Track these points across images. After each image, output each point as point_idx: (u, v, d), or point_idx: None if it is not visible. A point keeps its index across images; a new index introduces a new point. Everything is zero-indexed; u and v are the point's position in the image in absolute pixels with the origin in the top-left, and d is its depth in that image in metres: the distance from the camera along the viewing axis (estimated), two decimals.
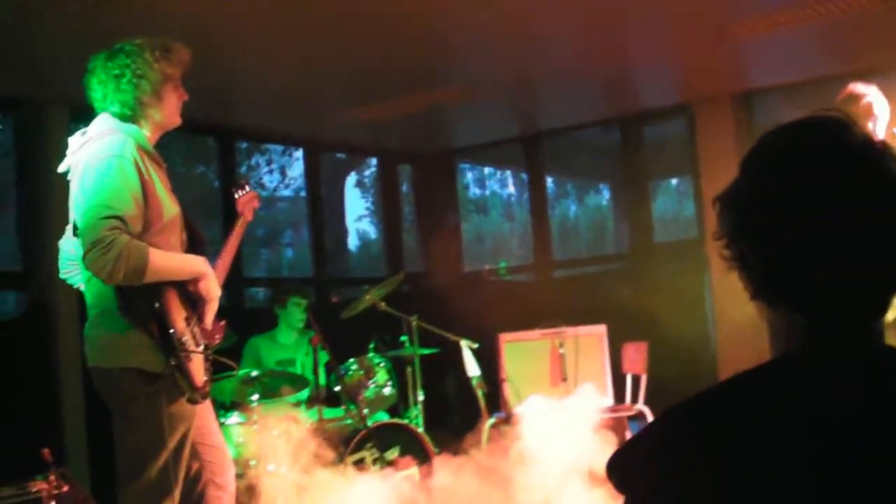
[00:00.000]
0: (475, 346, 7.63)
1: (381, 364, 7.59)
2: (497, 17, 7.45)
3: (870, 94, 6.41)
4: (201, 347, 4.31)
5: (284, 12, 7.02)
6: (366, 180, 20.00)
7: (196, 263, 4.35)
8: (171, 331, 4.11)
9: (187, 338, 4.19)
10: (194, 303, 4.36)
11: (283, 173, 16.89)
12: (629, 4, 7.57)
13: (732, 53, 9.07)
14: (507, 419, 7.56)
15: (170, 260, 4.18)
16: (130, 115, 4.30)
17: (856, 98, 6.35)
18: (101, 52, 4.38)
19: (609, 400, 7.87)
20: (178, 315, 4.19)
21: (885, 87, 6.80)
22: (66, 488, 5.68)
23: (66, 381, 8.08)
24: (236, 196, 5.30)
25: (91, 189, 4.05)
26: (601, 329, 8.05)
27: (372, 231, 20.86)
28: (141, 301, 4.07)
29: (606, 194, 22.20)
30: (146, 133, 4.32)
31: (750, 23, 7.99)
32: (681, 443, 1.67)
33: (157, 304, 4.09)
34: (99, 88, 4.33)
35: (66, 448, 7.85)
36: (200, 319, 4.38)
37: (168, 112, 4.42)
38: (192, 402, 4.21)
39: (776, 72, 9.89)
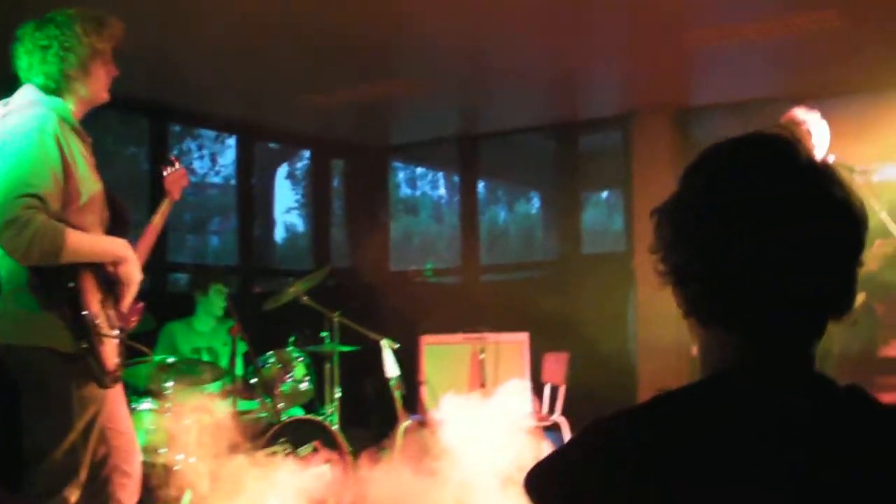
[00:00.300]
0: (396, 346, 7.56)
1: (300, 359, 7.50)
2: (448, 10, 7.40)
3: (809, 120, 6.42)
4: (116, 331, 4.20)
5: None
6: (297, 172, 19.86)
7: (117, 246, 4.23)
8: (85, 312, 4.00)
9: (101, 320, 4.08)
10: (112, 284, 4.24)
11: (213, 160, 16.69)
12: (582, 9, 7.56)
13: (676, 65, 9.10)
14: (423, 422, 7.50)
15: (89, 241, 4.07)
16: (55, 88, 4.17)
17: (795, 124, 6.36)
18: (32, 20, 4.26)
19: (528, 405, 7.84)
20: (93, 297, 4.08)
21: (825, 112, 6.85)
22: None
23: None
24: (164, 174, 5.17)
25: (8, 164, 3.93)
26: (523, 337, 8.04)
27: (300, 224, 20.73)
28: (55, 280, 3.96)
29: (536, 203, 22.28)
30: (71, 107, 4.20)
31: (700, 33, 8.00)
32: (604, 460, 1.62)
33: (70, 284, 3.98)
34: (25, 58, 4.20)
35: None
36: (117, 302, 4.27)
37: (95, 87, 4.29)
38: (103, 385, 4.10)
39: (718, 89, 9.95)
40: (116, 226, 4.38)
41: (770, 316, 1.64)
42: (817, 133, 6.32)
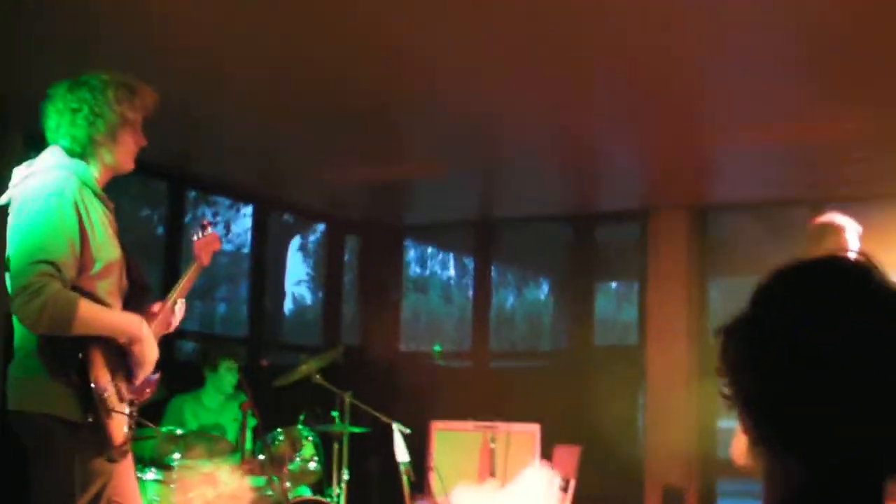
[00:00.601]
0: (407, 431, 7.45)
1: (309, 438, 7.38)
2: (468, 96, 7.42)
3: (847, 226, 6.25)
4: (126, 404, 4.11)
5: (259, 72, 6.95)
6: (310, 245, 19.87)
7: (131, 324, 4.14)
8: (92, 385, 3.91)
9: (109, 393, 3.99)
10: (124, 356, 4.16)
11: (227, 227, 16.69)
12: (603, 107, 7.59)
13: (696, 164, 9.11)
14: None
15: (102, 315, 3.99)
16: (80, 152, 4.12)
17: (835, 230, 6.16)
18: (65, 80, 4.22)
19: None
20: (103, 369, 3.98)
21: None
22: None
23: None
24: (195, 238, 5.06)
25: (26, 228, 3.88)
26: (534, 428, 7.93)
27: (308, 297, 20.69)
28: (64, 349, 3.89)
29: (545, 288, 22.23)
30: (94, 172, 4.15)
31: (720, 135, 8.00)
32: None
33: (80, 355, 3.90)
34: (54, 117, 4.16)
35: None
36: (130, 375, 4.18)
37: (122, 156, 4.24)
38: (110, 459, 4.00)
39: (737, 188, 9.95)
40: (135, 294, 4.31)
41: (841, 451, 1.58)
42: (854, 239, 6.20)
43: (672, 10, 5.82)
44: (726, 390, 1.69)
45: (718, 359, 1.69)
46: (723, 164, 8.96)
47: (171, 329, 4.62)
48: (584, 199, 10.93)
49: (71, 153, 4.12)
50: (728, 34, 6.14)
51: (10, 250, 3.94)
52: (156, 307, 4.53)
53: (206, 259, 4.95)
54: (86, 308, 3.86)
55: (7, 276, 3.97)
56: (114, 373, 4.04)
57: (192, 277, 4.81)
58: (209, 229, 5.07)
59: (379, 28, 6.25)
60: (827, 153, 8.39)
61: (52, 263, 3.80)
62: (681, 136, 8.27)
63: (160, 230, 16.10)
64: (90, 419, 3.88)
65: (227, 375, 7.71)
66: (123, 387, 4.10)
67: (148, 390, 4.37)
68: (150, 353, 4.20)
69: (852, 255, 1.70)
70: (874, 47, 6.31)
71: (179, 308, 4.62)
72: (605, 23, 6.06)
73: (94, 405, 3.90)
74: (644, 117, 7.87)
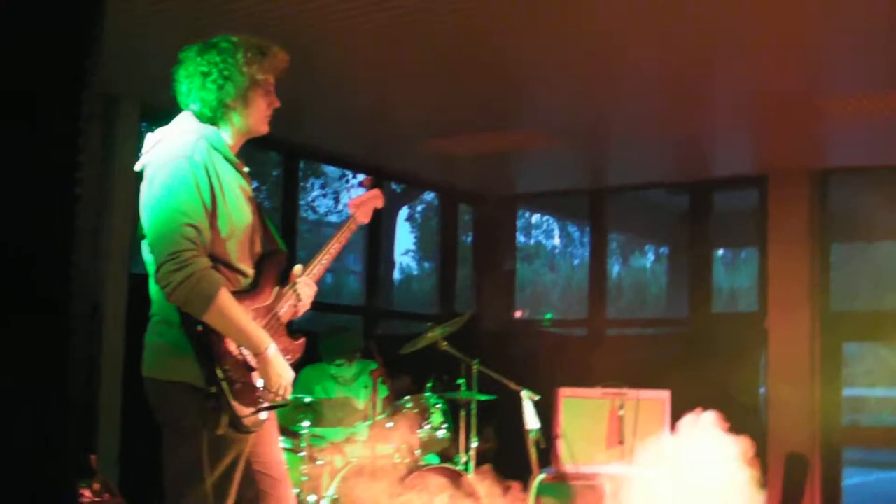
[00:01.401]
0: (537, 397, 7.36)
1: (438, 406, 7.33)
2: (581, 67, 7.37)
3: None
4: (256, 373, 4.03)
5: (371, 39, 6.91)
6: (417, 215, 19.89)
7: (261, 340, 3.96)
8: (212, 358, 3.85)
9: (231, 364, 3.91)
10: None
11: (336, 198, 16.72)
12: (715, 70, 7.44)
13: (813, 130, 8.94)
14: (558, 475, 7.33)
15: (238, 315, 3.84)
16: (211, 117, 4.05)
17: None
18: (195, 44, 4.16)
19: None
20: (226, 340, 3.92)
21: None
22: (107, 496, 5.48)
23: (106, 386, 7.91)
24: (350, 195, 4.96)
25: (162, 193, 3.82)
26: (664, 395, 7.80)
27: (415, 267, 20.72)
28: (190, 318, 3.84)
29: (651, 256, 22.06)
30: (226, 137, 4.09)
31: (836, 102, 7.80)
32: None
33: (199, 328, 3.83)
34: (185, 82, 4.09)
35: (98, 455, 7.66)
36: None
37: (255, 119, 4.15)
38: (238, 430, 3.94)
39: (855, 153, 9.75)
40: (267, 259, 4.24)
41: None
42: None
43: None
44: None
45: None
46: (842, 127, 8.73)
47: (300, 314, 4.40)
48: (698, 165, 10.74)
49: (201, 118, 4.06)
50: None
51: (147, 216, 3.90)
52: (295, 271, 4.44)
53: (364, 217, 4.81)
54: (225, 300, 3.79)
55: (145, 242, 3.94)
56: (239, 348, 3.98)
57: (344, 238, 4.65)
58: (370, 185, 4.94)
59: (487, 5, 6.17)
60: None
61: (195, 227, 3.76)
62: (792, 102, 8.08)
63: (267, 204, 16.28)
64: (214, 389, 3.83)
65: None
66: (251, 357, 4.02)
67: (289, 357, 4.29)
68: (274, 374, 4.01)
69: None
70: None
71: (305, 291, 4.35)
72: None
73: (215, 376, 3.84)
74: (760, 81, 7.68)
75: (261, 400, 4.01)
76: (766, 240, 10.60)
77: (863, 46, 6.82)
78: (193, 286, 3.71)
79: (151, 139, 4.07)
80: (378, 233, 11.36)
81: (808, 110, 8.13)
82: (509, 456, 7.73)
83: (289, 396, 4.10)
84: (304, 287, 4.36)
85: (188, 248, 3.73)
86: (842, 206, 10.93)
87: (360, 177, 5.09)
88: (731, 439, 6.43)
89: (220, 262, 3.90)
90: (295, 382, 7.20)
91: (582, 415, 7.83)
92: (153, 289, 3.97)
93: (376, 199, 4.88)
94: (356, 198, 4.84)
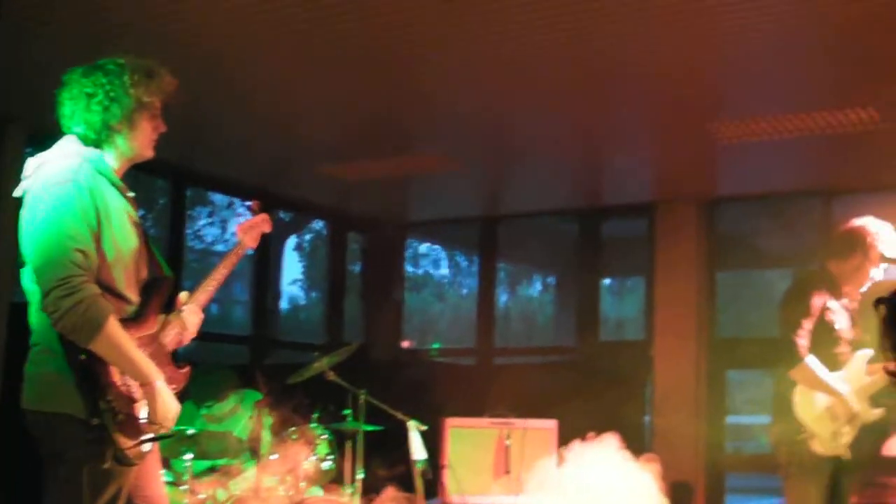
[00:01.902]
0: (424, 428, 7.30)
1: (324, 436, 7.23)
2: (473, 91, 7.35)
3: (878, 233, 6.05)
4: (140, 404, 3.92)
5: (262, 64, 6.85)
6: (305, 244, 19.79)
7: (149, 371, 3.86)
8: (95, 388, 3.74)
9: (115, 395, 3.81)
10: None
11: (223, 227, 16.55)
12: (612, 98, 7.51)
13: (703, 157, 9.03)
14: None
15: (126, 344, 3.75)
16: (95, 139, 3.94)
17: (864, 241, 6.03)
18: (80, 66, 4.05)
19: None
20: (109, 370, 3.81)
21: (857, 208, 6.69)
22: None
23: None
24: (239, 220, 4.82)
25: (48, 218, 3.71)
26: (551, 424, 7.80)
27: (302, 296, 20.61)
28: (72, 347, 3.72)
29: (538, 286, 22.19)
30: (110, 161, 3.98)
31: (728, 126, 7.92)
32: None
33: (82, 357, 3.72)
34: (69, 104, 3.97)
35: None
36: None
37: (140, 143, 4.04)
38: (121, 462, 3.82)
39: (746, 181, 9.88)
40: (153, 285, 4.13)
41: None
42: (890, 244, 6.04)
43: (679, 2, 5.72)
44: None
45: (885, 333, 1.53)
46: (730, 155, 8.84)
47: (186, 342, 4.30)
48: (589, 193, 10.82)
49: (85, 141, 3.95)
50: (734, 26, 6.04)
51: (31, 242, 3.78)
52: (181, 298, 4.34)
53: (252, 242, 4.71)
54: (114, 328, 3.69)
55: (26, 269, 3.82)
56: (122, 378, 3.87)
57: (232, 261, 4.56)
58: (257, 210, 4.83)
59: (385, 27, 6.14)
60: (839, 144, 8.28)
61: (83, 252, 3.65)
62: (685, 129, 8.19)
63: (153, 231, 16.03)
64: (96, 421, 3.72)
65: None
66: (135, 387, 3.91)
67: (174, 386, 4.19)
68: (161, 405, 3.92)
69: None
70: (883, 38, 6.20)
71: (191, 319, 4.25)
72: (610, 21, 5.98)
73: (97, 407, 3.73)
74: (651, 110, 7.79)
75: (144, 431, 3.91)
76: (653, 268, 10.70)
77: (752, 75, 6.92)
78: (83, 313, 3.59)
79: (32, 163, 3.95)
80: (265, 262, 11.24)
81: (698, 139, 8.23)
82: (399, 486, 7.65)
83: (172, 428, 4.00)
84: (191, 315, 4.26)
85: (77, 273, 3.62)
86: (729, 234, 11.09)
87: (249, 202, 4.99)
88: (625, 466, 6.43)
89: (105, 288, 3.78)
90: (179, 416, 7.09)
91: (469, 445, 7.78)
92: (34, 317, 3.85)
93: (264, 223, 4.79)
94: (244, 222, 4.74)
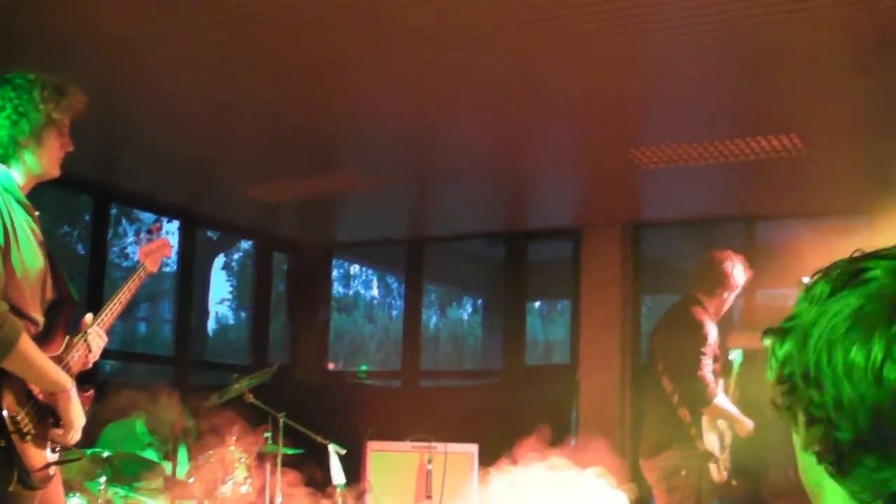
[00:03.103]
0: (343, 451, 7.25)
1: (242, 460, 7.16)
2: (398, 110, 7.32)
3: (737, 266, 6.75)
4: (47, 426, 3.84)
5: (187, 83, 6.78)
6: (234, 263, 19.66)
7: (64, 379, 3.86)
8: (2, 409, 3.66)
9: (23, 416, 3.73)
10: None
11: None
12: (535, 122, 7.51)
13: (626, 182, 9.06)
14: None
15: (39, 358, 3.71)
16: (2, 155, 3.87)
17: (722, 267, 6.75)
18: None
19: None
20: (14, 392, 3.73)
21: (783, 233, 6.85)
22: None
23: None
24: (140, 244, 4.77)
25: None
26: (472, 448, 7.77)
27: (231, 316, 20.45)
28: None
29: (469, 308, 22.20)
30: (17, 177, 3.90)
31: (651, 154, 7.95)
32: None
33: None
34: None
35: None
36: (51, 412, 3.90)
37: (47, 160, 3.97)
38: (27, 486, 3.75)
39: (670, 206, 9.93)
40: (59, 306, 4.06)
41: None
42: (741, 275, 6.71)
43: (602, 30, 5.74)
44: (782, 400, 1.48)
45: (775, 367, 1.49)
46: (653, 180, 8.88)
47: (90, 365, 4.23)
48: (515, 216, 10.85)
49: None
50: (649, 51, 6.06)
51: None
52: (86, 320, 4.26)
53: (153, 265, 4.67)
54: (27, 344, 3.63)
55: None
56: (29, 394, 3.79)
57: (135, 285, 4.53)
58: (158, 234, 4.79)
59: (309, 47, 6.10)
60: (761, 170, 8.34)
61: None
62: (608, 154, 8.21)
63: (80, 248, 15.84)
64: (2, 443, 3.64)
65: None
66: (43, 406, 3.84)
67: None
68: (75, 412, 3.93)
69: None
70: (803, 68, 6.27)
71: (95, 342, 4.21)
72: (534, 44, 5.97)
73: (4, 428, 3.65)
74: (574, 135, 7.81)
75: (54, 450, 3.85)
76: (578, 292, 10.72)
77: (674, 102, 6.96)
78: None
79: None
80: (189, 281, 11.12)
81: (621, 164, 8.26)
82: None
83: (76, 442, 3.95)
84: (96, 337, 4.20)
85: None
86: (653, 258, 11.14)
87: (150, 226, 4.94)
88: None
89: (10, 307, 3.70)
90: (100, 438, 7.00)
91: (390, 469, 7.73)
92: None
93: (164, 247, 4.75)
94: (146, 245, 4.70)
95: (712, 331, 6.56)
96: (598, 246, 10.54)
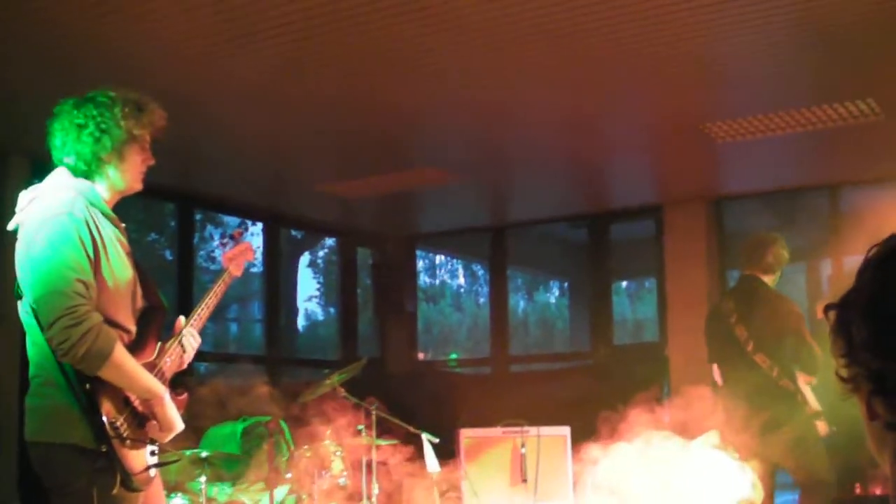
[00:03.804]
0: (436, 440, 7.32)
1: (337, 453, 7.25)
2: (475, 104, 7.37)
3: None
4: (145, 429, 3.94)
5: (262, 84, 6.86)
6: (319, 261, 19.80)
7: (158, 386, 3.94)
8: (103, 414, 3.75)
9: (122, 420, 3.83)
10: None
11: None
12: (610, 102, 7.49)
13: (707, 158, 9.00)
14: None
15: (133, 367, 3.80)
16: (86, 170, 3.95)
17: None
18: (72, 98, 4.06)
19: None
20: (113, 397, 3.83)
21: (862, 201, 6.81)
22: None
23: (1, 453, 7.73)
24: (224, 249, 4.86)
25: (47, 249, 3.71)
26: (564, 430, 7.80)
27: (319, 313, 20.61)
28: (76, 376, 3.73)
29: (555, 291, 22.15)
30: (102, 192, 4.00)
31: (727, 127, 7.90)
32: None
33: (87, 385, 3.74)
34: (59, 135, 3.98)
35: None
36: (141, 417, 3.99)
37: (129, 175, 4.05)
38: (129, 489, 3.84)
39: (750, 179, 9.84)
40: (150, 314, 4.16)
41: None
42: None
43: (673, 4, 5.72)
44: (847, 372, 1.51)
45: (835, 339, 1.52)
46: (732, 154, 8.83)
47: (185, 365, 4.32)
48: (596, 197, 10.82)
49: (76, 172, 3.96)
50: (723, 22, 6.02)
51: (31, 274, 3.78)
52: (179, 321, 4.37)
53: (237, 270, 4.76)
54: (121, 354, 3.72)
55: (24, 301, 3.84)
56: (127, 399, 3.89)
57: (220, 291, 4.61)
58: (239, 239, 4.88)
59: (389, 39, 6.15)
60: (839, 138, 8.25)
61: (84, 283, 3.67)
62: (684, 131, 8.16)
63: (168, 254, 16.08)
64: (103, 448, 3.73)
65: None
66: (142, 410, 3.94)
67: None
68: (171, 417, 4.00)
69: None
70: (878, 35, 6.19)
71: (190, 342, 4.30)
72: (608, 18, 5.94)
73: (105, 434, 3.74)
74: (649, 113, 7.78)
75: (152, 453, 3.95)
76: (663, 269, 10.69)
77: (746, 73, 6.91)
78: (92, 342, 3.61)
79: (26, 196, 3.97)
80: (276, 281, 11.26)
81: (699, 138, 8.22)
82: (415, 499, 7.67)
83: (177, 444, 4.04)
84: (189, 338, 4.29)
85: (82, 303, 3.64)
86: (737, 231, 11.06)
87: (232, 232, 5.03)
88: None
89: (104, 318, 3.81)
90: (202, 441, 7.12)
91: (484, 455, 7.78)
92: (31, 349, 3.87)
93: (247, 252, 4.82)
94: (229, 251, 4.78)
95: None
96: (681, 222, 10.50)
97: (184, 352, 4.26)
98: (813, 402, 6.73)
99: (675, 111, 7.72)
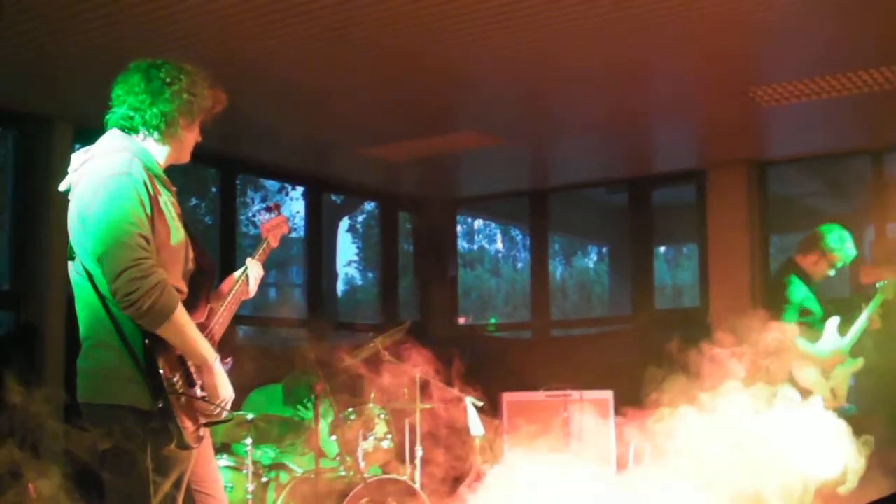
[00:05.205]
0: (480, 404, 7.34)
1: (381, 416, 7.28)
2: (517, 66, 7.32)
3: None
4: (197, 388, 3.98)
5: (307, 48, 6.85)
6: (358, 226, 19.88)
7: (210, 352, 3.97)
8: (160, 371, 3.78)
9: (178, 377, 3.86)
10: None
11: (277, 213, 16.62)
12: (652, 65, 7.44)
13: (748, 121, 8.93)
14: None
15: (191, 327, 3.84)
16: (155, 129, 3.96)
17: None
18: (143, 61, 4.06)
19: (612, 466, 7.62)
20: (169, 354, 3.86)
21: None
22: None
23: (47, 412, 7.77)
24: (262, 221, 4.91)
25: (108, 206, 3.72)
26: (607, 395, 7.81)
27: (358, 277, 20.70)
28: (132, 336, 3.76)
29: (594, 256, 22.15)
30: (158, 155, 4.02)
31: (772, 91, 7.83)
32: None
33: (146, 341, 3.77)
34: (137, 90, 3.96)
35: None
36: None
37: (188, 145, 4.12)
38: (183, 446, 3.87)
39: (793, 143, 9.78)
40: (201, 277, 4.19)
41: None
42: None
43: None
44: None
45: None
46: (776, 118, 8.75)
47: (251, 294, 4.51)
48: (637, 161, 10.76)
49: (137, 130, 3.99)
50: None
51: (94, 230, 3.78)
52: (225, 285, 4.42)
53: (274, 241, 4.80)
54: (182, 313, 3.76)
55: (76, 262, 3.86)
56: (180, 358, 3.92)
57: (260, 260, 4.68)
58: (277, 211, 4.92)
59: (426, 5, 6.13)
60: (885, 102, 8.17)
61: (146, 238, 3.70)
62: (727, 94, 8.09)
63: (208, 219, 16.15)
64: (160, 405, 3.76)
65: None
66: (194, 370, 3.97)
67: None
68: (221, 386, 4.02)
69: None
70: None
71: (254, 272, 4.49)
72: None
73: (161, 391, 3.77)
74: (692, 76, 7.71)
75: (202, 414, 3.97)
76: (705, 234, 10.63)
77: (791, 36, 6.84)
78: (157, 297, 3.64)
79: (79, 157, 3.98)
80: (318, 246, 11.27)
81: (743, 102, 8.16)
82: (457, 462, 7.70)
83: (227, 412, 4.06)
84: (255, 268, 4.49)
85: (146, 256, 3.67)
86: (780, 196, 10.99)
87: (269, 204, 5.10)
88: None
89: None
90: (244, 404, 7.17)
91: (527, 418, 7.80)
92: (82, 311, 3.90)
93: (282, 224, 4.87)
94: (266, 223, 4.82)
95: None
96: (724, 186, 10.42)
97: (247, 284, 4.43)
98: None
99: (720, 74, 7.66)
